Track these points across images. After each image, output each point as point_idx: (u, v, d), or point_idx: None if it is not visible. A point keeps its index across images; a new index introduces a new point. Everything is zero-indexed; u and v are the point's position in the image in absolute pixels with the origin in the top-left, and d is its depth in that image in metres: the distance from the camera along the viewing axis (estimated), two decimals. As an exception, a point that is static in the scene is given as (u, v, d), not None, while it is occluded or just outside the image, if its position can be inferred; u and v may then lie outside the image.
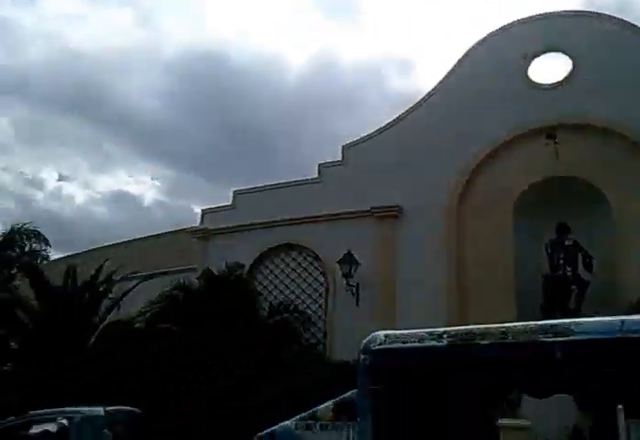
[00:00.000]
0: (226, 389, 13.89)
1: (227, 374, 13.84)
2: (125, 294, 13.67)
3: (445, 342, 5.32)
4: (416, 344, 5.45)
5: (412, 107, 15.80)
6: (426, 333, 5.50)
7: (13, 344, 13.32)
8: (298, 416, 6.20)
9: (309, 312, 15.60)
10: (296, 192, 16.08)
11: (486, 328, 5.21)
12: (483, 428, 6.49)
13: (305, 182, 16.20)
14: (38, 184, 54.03)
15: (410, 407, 6.17)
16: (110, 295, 14.52)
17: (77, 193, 57.11)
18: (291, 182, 16.43)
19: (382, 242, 14.82)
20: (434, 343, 5.37)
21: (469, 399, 6.39)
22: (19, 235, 33.04)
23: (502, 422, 9.22)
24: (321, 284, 15.64)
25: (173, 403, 11.38)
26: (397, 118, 15.82)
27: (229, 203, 17.33)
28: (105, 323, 14.03)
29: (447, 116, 15.10)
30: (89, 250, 20.10)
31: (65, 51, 46.87)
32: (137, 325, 14.78)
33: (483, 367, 5.31)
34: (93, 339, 13.23)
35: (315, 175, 16.34)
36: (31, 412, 6.37)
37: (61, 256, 23.00)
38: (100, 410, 6.23)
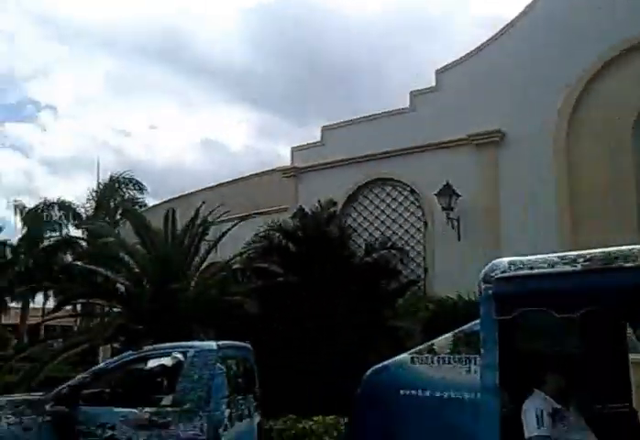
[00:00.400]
0: (324, 327, 13.84)
1: (326, 313, 13.77)
2: (222, 236, 13.61)
3: (579, 266, 4.77)
4: (546, 269, 4.92)
5: (508, 25, 14.58)
6: (557, 257, 4.97)
7: (120, 286, 13.58)
8: (413, 350, 5.84)
9: (407, 248, 15.15)
10: (387, 123, 15.39)
11: (630, 250, 4.61)
12: (614, 363, 5.95)
13: (397, 112, 15.44)
14: (130, 134, 55.36)
15: (539, 338, 5.71)
16: (206, 238, 14.53)
17: (167, 142, 58.26)
18: (381, 114, 15.72)
19: (483, 171, 14.02)
20: (567, 268, 4.83)
21: (602, 330, 5.86)
22: (118, 183, 34.21)
23: (635, 357, 8.54)
24: (419, 219, 15.11)
25: (274, 341, 11.31)
26: (492, 38, 14.69)
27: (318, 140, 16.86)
28: (205, 265, 14.08)
29: (550, 31, 13.86)
30: (183, 195, 20.22)
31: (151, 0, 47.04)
32: (235, 267, 14.81)
33: (622, 293, 4.75)
34: (195, 280, 13.30)
35: (407, 105, 15.55)
36: (146, 348, 6.30)
37: (157, 202, 23.34)
38: (213, 344, 6.12)
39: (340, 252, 14.98)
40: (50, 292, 43.17)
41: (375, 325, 14.35)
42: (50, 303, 45.70)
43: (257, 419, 7.10)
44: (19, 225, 42.20)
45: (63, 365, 12.74)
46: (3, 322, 50.86)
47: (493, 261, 5.38)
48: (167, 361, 6.15)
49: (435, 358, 5.64)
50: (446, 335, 5.89)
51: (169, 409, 5.89)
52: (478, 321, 5.42)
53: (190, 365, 6.00)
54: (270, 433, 8.56)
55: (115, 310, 16.19)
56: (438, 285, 14.40)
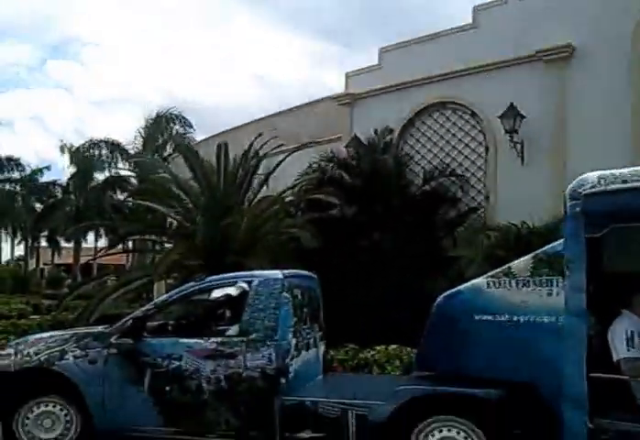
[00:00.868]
0: (380, 259, 13.60)
1: (382, 244, 13.50)
2: (275, 168, 13.26)
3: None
4: (643, 182, 4.46)
5: None
6: (654, 170, 4.50)
7: (173, 222, 13.51)
8: (489, 273, 5.49)
9: (467, 175, 14.59)
10: (447, 42, 14.45)
11: None
12: None
13: (459, 30, 14.47)
14: (176, 70, 54.82)
15: (629, 256, 5.28)
16: (257, 172, 14.24)
17: (216, 77, 57.63)
18: (440, 32, 14.75)
19: (551, 90, 13.08)
20: (666, 180, 4.36)
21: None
22: (165, 119, 34.14)
23: None
24: (480, 144, 14.42)
25: (330, 274, 11.08)
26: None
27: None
28: (258, 198, 13.84)
29: None
30: (233, 128, 19.83)
31: None
32: (288, 199, 14.55)
33: None
34: (248, 214, 13.07)
35: (469, 21, 14.58)
36: (210, 278, 6.08)
37: (206, 136, 23.04)
38: (278, 273, 5.85)
39: (397, 181, 14.61)
40: (102, 232, 44.19)
41: (432, 256, 14.09)
42: (102, 242, 46.83)
43: (322, 349, 6.90)
44: (68, 165, 42.85)
45: (119, 302, 12.87)
46: (56, 262, 52.47)
47: (581, 176, 4.91)
48: (231, 291, 5.95)
49: (514, 282, 5.28)
50: (525, 258, 5.50)
51: (235, 339, 5.70)
52: (560, 241, 5.04)
53: (255, 294, 5.78)
54: (332, 363, 8.41)
55: (168, 246, 16.31)
56: (500, 213, 13.82)
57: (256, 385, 5.55)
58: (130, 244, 22.23)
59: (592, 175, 4.80)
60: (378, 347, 9.48)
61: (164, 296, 6.13)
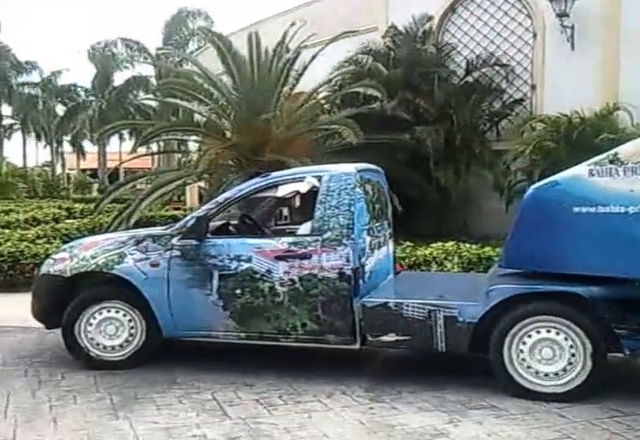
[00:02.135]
0: (419, 156, 13.04)
1: (422, 138, 12.89)
2: (312, 59, 12.40)
3: None
4: None
5: None
6: None
7: (200, 119, 12.90)
8: (590, 161, 4.90)
9: (513, 64, 13.70)
10: None
11: None
12: None
13: None
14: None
15: None
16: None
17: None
18: None
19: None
20: None
21: None
22: (186, 14, 32.75)
23: None
24: (527, 30, 13.42)
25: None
26: None
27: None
28: (293, 92, 13.12)
29: None
30: (262, 21, 18.57)
31: None
32: (323, 94, 13.84)
33: None
34: (284, 110, 12.40)
35: None
36: (276, 173, 5.56)
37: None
38: (351, 167, 5.28)
39: (438, 72, 13.80)
40: (125, 135, 43.69)
41: (475, 150, 13.49)
42: (125, 146, 46.39)
43: (391, 247, 6.47)
44: (86, 62, 41.92)
45: (153, 205, 12.53)
46: (81, 167, 52.37)
47: None
48: (300, 187, 5.41)
49: (621, 169, 4.71)
50: (636, 141, 4.92)
51: (308, 238, 5.24)
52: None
53: (327, 190, 5.27)
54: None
55: (193, 146, 15.74)
56: (547, 104, 13.07)
57: (333, 286, 5.15)
58: (155, 147, 21.63)
59: None
60: (434, 245, 9.13)
61: (227, 194, 5.62)
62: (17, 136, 51.53)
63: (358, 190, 5.30)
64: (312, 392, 5.09)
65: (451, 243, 9.17)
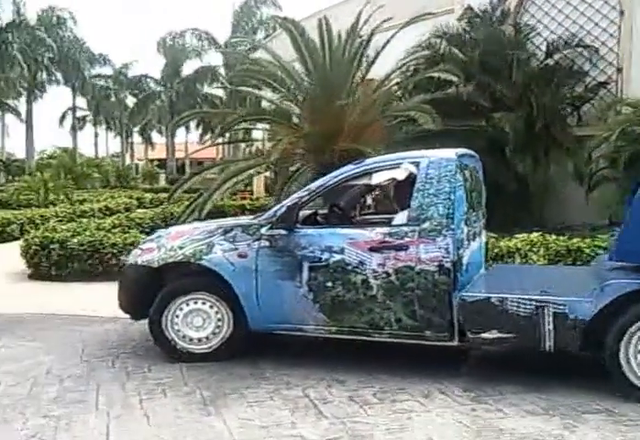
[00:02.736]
0: (498, 141, 12.57)
1: (503, 124, 12.41)
2: (386, 44, 12.02)
3: None
4: None
5: None
6: None
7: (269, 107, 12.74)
8: None
9: (597, 45, 13.02)
10: None
11: None
12: None
13: None
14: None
15: None
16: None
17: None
18: None
19: None
20: None
21: None
22: (254, 3, 32.70)
23: None
24: (613, 8, 12.72)
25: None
26: None
27: None
28: (365, 78, 12.78)
29: None
30: (331, 7, 18.23)
31: None
32: (396, 80, 13.44)
33: None
34: (357, 97, 12.08)
35: None
36: (370, 160, 5.32)
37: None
38: (451, 152, 4.99)
39: (517, 55, 13.23)
40: (192, 126, 44.16)
41: (556, 136, 12.93)
42: (191, 137, 46.88)
43: (484, 238, 6.13)
44: (159, 59, 42.65)
45: (224, 195, 12.43)
46: (149, 157, 53.35)
47: None
48: (396, 174, 5.12)
49: None
50: None
51: (405, 228, 4.95)
52: None
53: (425, 177, 4.97)
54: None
55: (257, 136, 15.61)
56: (636, 86, 12.38)
57: (432, 279, 4.86)
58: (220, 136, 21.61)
59: None
60: (519, 235, 8.71)
61: (319, 181, 5.36)
62: (88, 126, 52.97)
63: (458, 176, 4.98)
64: (407, 391, 4.84)
65: (536, 234, 8.75)
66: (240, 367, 5.36)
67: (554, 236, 8.61)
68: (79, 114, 50.54)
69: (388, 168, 5.24)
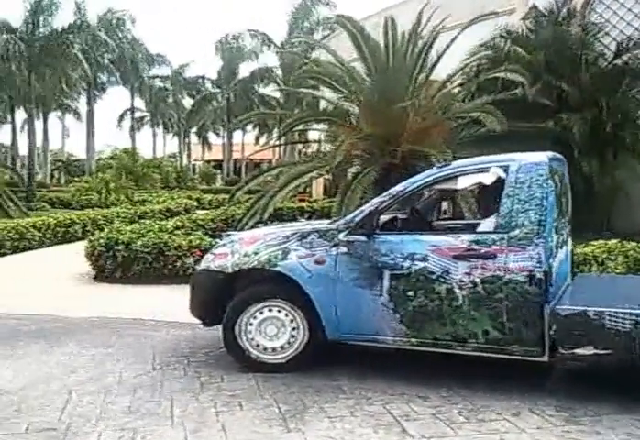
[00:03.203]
0: (564, 145, 12.14)
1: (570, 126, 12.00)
2: (450, 44, 11.74)
3: None
4: None
5: None
6: None
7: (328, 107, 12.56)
8: None
9: (668, 42, 12.52)
10: None
11: None
12: None
13: None
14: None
15: None
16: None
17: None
18: None
19: None
20: None
21: None
22: (311, 3, 32.65)
23: None
24: (687, 6, 12.23)
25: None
26: None
27: None
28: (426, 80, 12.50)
29: None
30: (391, 7, 17.95)
31: None
32: (458, 82, 13.16)
33: None
34: (420, 99, 11.81)
35: None
36: (456, 163, 5.06)
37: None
38: (543, 155, 4.77)
39: (584, 55, 12.80)
40: (248, 127, 44.37)
41: (626, 139, 12.46)
42: (248, 138, 47.03)
43: (570, 246, 5.80)
44: (215, 60, 43.06)
45: (285, 197, 12.31)
46: (206, 158, 53.81)
47: None
48: (483, 178, 4.87)
49: None
50: None
51: (493, 236, 4.69)
52: None
53: (515, 182, 4.71)
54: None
55: (313, 138, 15.38)
56: None
57: (522, 290, 4.59)
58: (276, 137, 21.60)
59: None
60: (595, 242, 8.34)
61: (399, 186, 5.12)
62: (146, 128, 53.72)
63: (550, 182, 4.69)
64: (494, 409, 4.56)
65: (614, 241, 8.38)
66: (315, 378, 5.15)
67: (633, 243, 8.23)
68: (137, 114, 51.20)
69: (474, 172, 4.99)
